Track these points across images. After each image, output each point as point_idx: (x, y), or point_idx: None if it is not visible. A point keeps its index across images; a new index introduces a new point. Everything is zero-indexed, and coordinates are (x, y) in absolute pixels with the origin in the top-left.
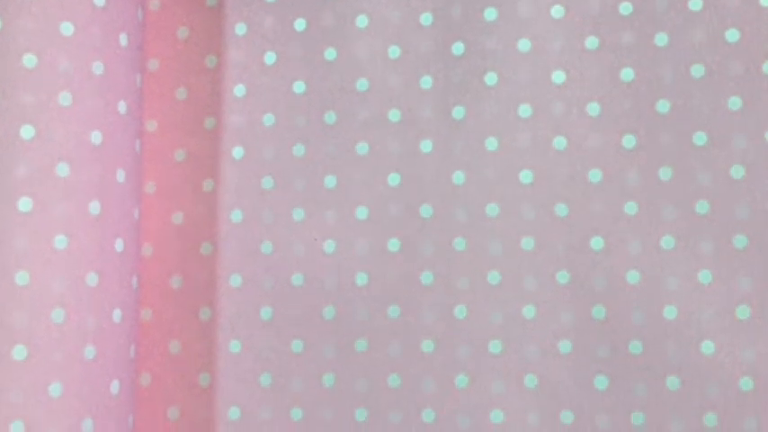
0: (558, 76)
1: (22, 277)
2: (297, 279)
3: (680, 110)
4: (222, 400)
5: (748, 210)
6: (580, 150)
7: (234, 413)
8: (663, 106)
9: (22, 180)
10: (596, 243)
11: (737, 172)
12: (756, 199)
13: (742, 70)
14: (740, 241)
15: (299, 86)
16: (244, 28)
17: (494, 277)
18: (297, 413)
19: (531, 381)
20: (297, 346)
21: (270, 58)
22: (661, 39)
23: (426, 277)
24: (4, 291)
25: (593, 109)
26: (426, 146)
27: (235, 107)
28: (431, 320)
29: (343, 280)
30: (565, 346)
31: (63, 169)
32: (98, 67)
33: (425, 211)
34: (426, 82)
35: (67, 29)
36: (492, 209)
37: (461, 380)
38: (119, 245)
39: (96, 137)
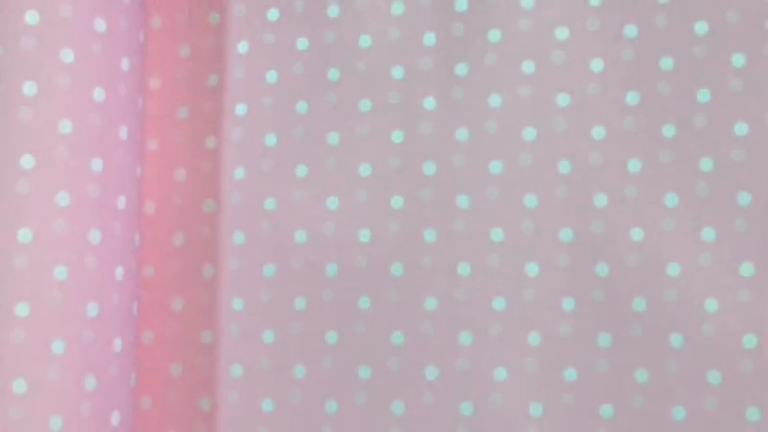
0: (562, 33)
1: (24, 234)
2: (300, 235)
3: (684, 64)
4: (224, 357)
5: (753, 165)
6: (584, 107)
7: (236, 370)
8: (666, 63)
9: (25, 137)
10: (599, 200)
11: (741, 129)
12: (761, 151)
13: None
14: (744, 198)
15: (302, 43)
16: None
17: (497, 234)
18: (299, 370)
19: (534, 338)
20: (300, 302)
21: (273, 14)
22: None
23: (429, 234)
24: (6, 248)
25: (597, 65)
26: (429, 102)
27: (238, 64)
28: (434, 277)
29: (346, 237)
30: (568, 303)
31: (66, 126)
32: (100, 24)
33: (428, 168)
34: (429, 38)
35: None
36: (495, 166)
37: (465, 337)
38: (121, 202)
39: (99, 93)
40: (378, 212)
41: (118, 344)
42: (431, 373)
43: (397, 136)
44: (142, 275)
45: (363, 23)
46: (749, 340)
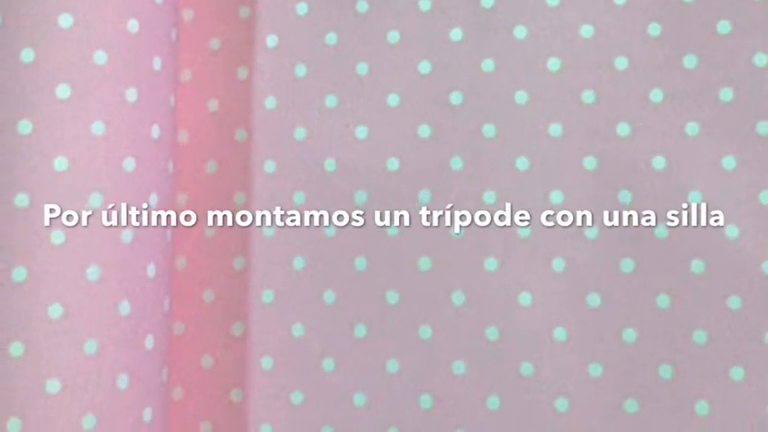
0: None
1: (60, 163)
2: (329, 164)
3: None
4: (256, 282)
5: None
6: (607, 38)
7: (267, 296)
8: None
9: (60, 68)
10: (622, 129)
11: (761, 60)
12: None
13: None
14: (763, 127)
15: None
16: None
17: (522, 163)
18: (329, 295)
19: (558, 264)
20: (329, 230)
21: None
22: None
23: (456, 162)
24: (43, 176)
25: None
26: (456, 34)
27: None
28: (460, 205)
29: (375, 165)
30: (591, 230)
31: (101, 57)
32: None
33: (455, 98)
34: None
35: None
36: (520, 96)
37: (491, 263)
38: (155, 131)
39: (133, 25)
40: (405, 141)
41: (152, 270)
42: (457, 298)
43: (424, 66)
44: (175, 202)
45: None
46: None
